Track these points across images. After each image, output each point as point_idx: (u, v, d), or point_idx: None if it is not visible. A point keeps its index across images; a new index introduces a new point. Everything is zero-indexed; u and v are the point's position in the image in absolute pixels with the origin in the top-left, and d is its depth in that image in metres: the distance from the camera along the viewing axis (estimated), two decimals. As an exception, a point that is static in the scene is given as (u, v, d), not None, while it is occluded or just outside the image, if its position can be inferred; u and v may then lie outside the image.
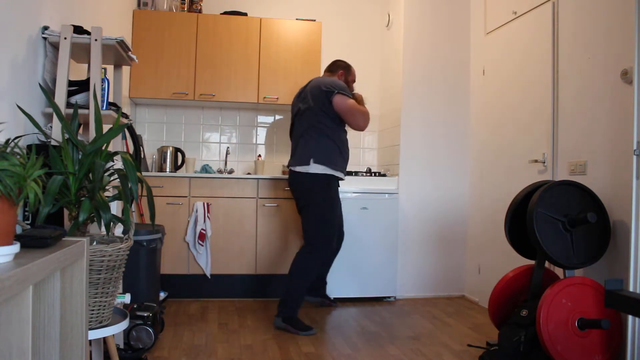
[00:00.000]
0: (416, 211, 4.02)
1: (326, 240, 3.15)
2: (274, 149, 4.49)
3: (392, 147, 4.20)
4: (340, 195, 3.77)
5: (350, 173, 4.01)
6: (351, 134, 4.56)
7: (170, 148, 4.04)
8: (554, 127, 3.02)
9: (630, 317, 2.35)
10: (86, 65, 2.43)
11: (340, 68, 3.44)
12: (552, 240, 2.40)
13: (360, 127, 3.21)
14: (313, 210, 3.16)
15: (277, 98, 4.11)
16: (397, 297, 3.94)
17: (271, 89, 4.12)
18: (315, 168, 3.12)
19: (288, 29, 4.17)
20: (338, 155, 3.20)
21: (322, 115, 3.16)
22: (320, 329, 3.12)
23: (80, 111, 2.00)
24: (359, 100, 3.34)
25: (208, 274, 3.70)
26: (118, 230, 2.09)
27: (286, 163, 4.43)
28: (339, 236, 3.59)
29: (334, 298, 3.79)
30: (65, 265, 1.25)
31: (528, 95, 3.30)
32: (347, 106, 3.13)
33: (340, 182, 3.38)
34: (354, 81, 3.47)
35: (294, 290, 3.10)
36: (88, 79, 2.21)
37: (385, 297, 3.91)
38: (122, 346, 2.35)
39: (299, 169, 3.18)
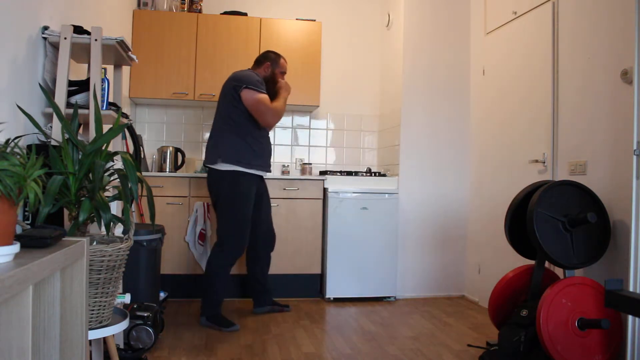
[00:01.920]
0: (416, 211, 4.02)
1: (237, 237, 3.12)
2: (273, 149, 4.49)
3: (392, 147, 4.20)
4: (340, 195, 3.78)
5: (350, 173, 4.01)
6: (352, 133, 4.59)
7: (170, 148, 4.04)
8: (554, 127, 3.02)
9: (630, 317, 2.35)
10: (86, 65, 2.43)
11: (268, 59, 3.32)
12: (552, 240, 2.40)
13: (267, 123, 3.14)
14: (222, 206, 3.15)
15: (277, 98, 4.10)
16: (397, 297, 3.94)
17: (271, 89, 4.11)
18: (222, 165, 3.10)
19: (288, 29, 4.17)
20: (249, 152, 3.13)
21: (232, 111, 3.12)
22: (320, 329, 3.12)
23: (80, 111, 2.00)
24: (283, 89, 3.25)
25: (208, 274, 3.70)
26: (118, 230, 2.09)
27: (286, 163, 4.46)
28: (269, 237, 3.43)
29: (334, 298, 3.80)
30: (65, 265, 1.25)
31: (528, 95, 3.30)
32: (252, 101, 3.07)
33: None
34: (284, 73, 3.35)
35: (211, 288, 3.11)
36: (88, 79, 2.21)
37: (385, 297, 3.91)
38: (122, 346, 2.35)
39: (209, 165, 3.17)
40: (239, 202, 3.12)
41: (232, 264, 3.18)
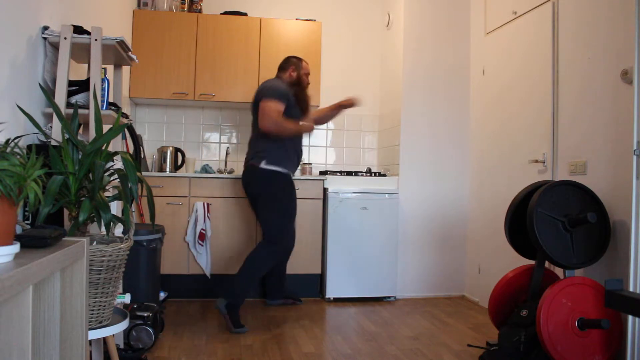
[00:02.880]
0: (416, 211, 4.02)
1: (286, 236, 3.21)
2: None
3: (392, 147, 4.20)
4: (340, 195, 3.79)
5: (350, 173, 4.02)
6: (352, 133, 4.59)
7: (170, 148, 4.04)
8: (554, 127, 3.02)
9: (630, 317, 2.35)
10: (86, 65, 2.43)
11: (291, 64, 3.44)
12: (552, 240, 2.40)
13: (262, 125, 3.16)
14: (273, 206, 3.21)
15: (277, 98, 4.10)
16: (397, 297, 3.94)
17: (271, 89, 4.11)
18: (267, 166, 3.19)
19: (288, 29, 4.17)
20: (285, 154, 3.25)
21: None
22: (320, 329, 3.12)
23: (80, 111, 2.00)
24: (304, 126, 3.27)
25: (208, 274, 3.70)
26: (118, 230, 2.09)
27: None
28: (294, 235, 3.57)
29: (334, 298, 3.80)
30: (65, 265, 1.25)
31: (528, 95, 3.30)
32: (262, 106, 3.16)
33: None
34: (308, 74, 3.47)
35: (244, 280, 3.11)
36: (88, 79, 2.21)
37: (385, 297, 3.91)
38: (122, 346, 2.35)
39: (254, 163, 3.21)
40: (294, 202, 3.25)
41: (274, 262, 3.26)
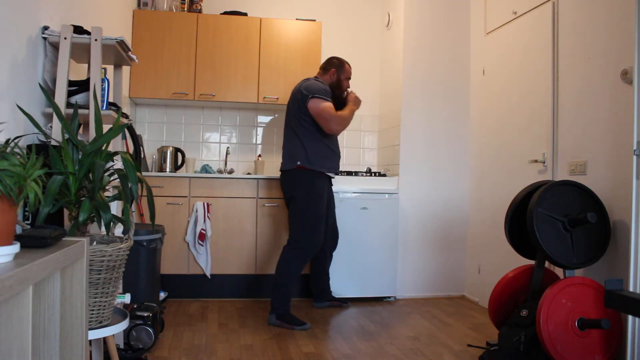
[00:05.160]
0: (416, 211, 4.02)
1: (313, 235, 3.20)
2: (274, 149, 4.49)
3: (392, 147, 4.20)
4: (341, 195, 3.79)
5: (350, 173, 4.01)
6: (352, 133, 4.58)
7: (170, 148, 4.04)
8: (554, 127, 3.02)
9: (630, 317, 2.35)
10: (86, 65, 2.43)
11: (333, 66, 3.44)
12: (552, 240, 2.40)
13: (331, 130, 3.23)
14: (298, 206, 3.23)
15: (277, 98, 4.11)
16: (397, 297, 3.94)
17: (271, 89, 4.12)
18: (298, 168, 3.22)
19: (288, 29, 4.17)
20: (322, 155, 3.25)
21: (302, 118, 3.23)
22: (320, 329, 3.12)
23: (80, 111, 2.00)
24: (351, 100, 3.35)
25: (208, 274, 3.70)
26: (118, 230, 2.09)
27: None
28: (333, 236, 3.61)
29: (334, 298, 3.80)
30: (65, 265, 1.25)
31: (528, 95, 3.30)
32: (318, 109, 3.18)
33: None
34: (349, 78, 3.47)
35: (283, 285, 3.16)
36: (88, 79, 2.21)
37: (385, 297, 3.91)
38: (122, 346, 2.35)
39: (286, 169, 3.29)
40: (315, 202, 3.21)
41: (306, 262, 3.27)
